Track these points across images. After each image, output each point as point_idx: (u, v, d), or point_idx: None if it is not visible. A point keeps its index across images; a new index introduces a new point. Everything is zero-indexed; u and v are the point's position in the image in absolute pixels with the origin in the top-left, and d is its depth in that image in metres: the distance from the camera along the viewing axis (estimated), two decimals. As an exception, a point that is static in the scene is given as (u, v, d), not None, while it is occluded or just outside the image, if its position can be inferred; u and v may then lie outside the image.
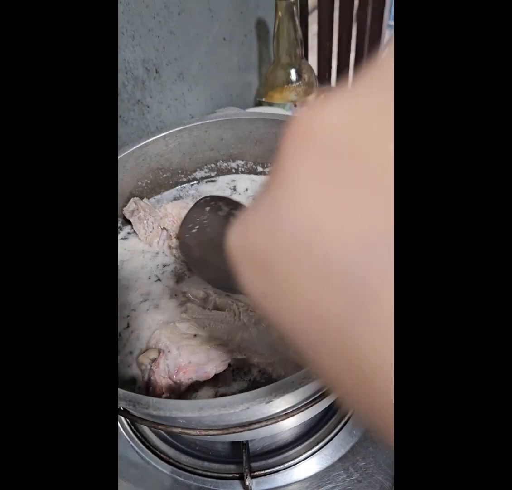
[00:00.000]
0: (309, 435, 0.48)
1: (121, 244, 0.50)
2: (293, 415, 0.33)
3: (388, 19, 1.72)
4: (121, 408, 0.35)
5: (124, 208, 0.51)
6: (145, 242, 0.49)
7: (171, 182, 0.55)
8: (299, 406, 0.33)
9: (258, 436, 0.46)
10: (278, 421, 0.33)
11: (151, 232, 0.49)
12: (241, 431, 0.32)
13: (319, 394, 0.33)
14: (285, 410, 0.33)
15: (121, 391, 0.30)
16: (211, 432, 0.33)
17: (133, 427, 0.50)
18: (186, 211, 0.49)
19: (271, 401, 0.28)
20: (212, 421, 0.31)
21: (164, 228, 0.50)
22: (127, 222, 0.51)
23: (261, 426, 0.32)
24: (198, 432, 0.33)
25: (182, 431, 0.33)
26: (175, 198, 0.55)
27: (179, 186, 0.56)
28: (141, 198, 0.52)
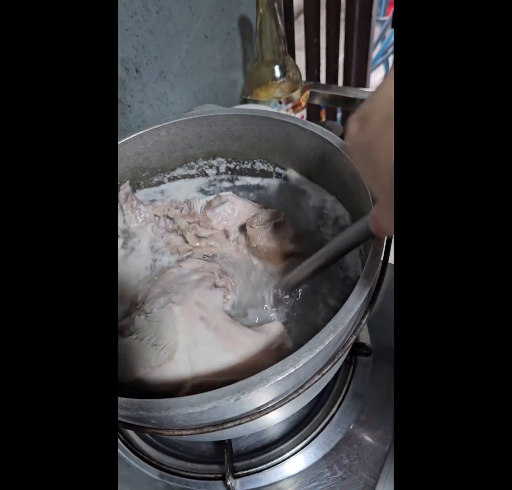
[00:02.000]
0: (293, 433, 0.48)
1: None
2: (267, 413, 0.32)
3: (377, 14, 1.72)
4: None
5: (120, 188, 0.50)
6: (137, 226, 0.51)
7: (150, 181, 0.54)
8: (272, 403, 0.32)
9: (235, 435, 0.45)
10: (252, 419, 0.32)
11: (143, 221, 0.51)
12: (214, 430, 0.32)
13: (292, 391, 0.33)
14: (258, 408, 0.32)
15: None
16: (184, 432, 0.32)
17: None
18: (176, 203, 0.52)
19: (239, 398, 0.28)
20: (184, 420, 0.31)
21: (156, 216, 0.51)
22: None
23: (235, 425, 0.32)
24: (171, 432, 0.32)
25: (155, 431, 0.33)
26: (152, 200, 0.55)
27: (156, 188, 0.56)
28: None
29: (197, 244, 0.50)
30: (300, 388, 0.33)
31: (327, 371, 0.33)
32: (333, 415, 0.48)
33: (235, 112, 0.49)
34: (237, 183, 0.56)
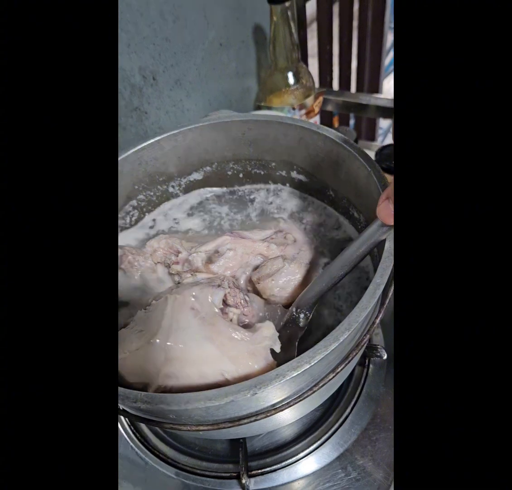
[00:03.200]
0: (307, 434, 0.48)
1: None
2: (282, 410, 0.33)
3: (390, 21, 1.73)
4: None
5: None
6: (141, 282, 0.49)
7: (165, 186, 0.56)
8: (287, 401, 0.33)
9: (251, 433, 0.46)
10: (267, 416, 0.33)
11: (145, 272, 0.49)
12: (230, 426, 0.33)
13: (306, 389, 0.33)
14: (273, 405, 0.33)
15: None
16: (201, 428, 0.33)
17: (132, 428, 0.51)
18: (173, 240, 0.49)
19: (255, 393, 0.28)
20: (201, 415, 0.32)
21: (157, 262, 0.49)
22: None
23: (251, 421, 0.33)
24: (188, 428, 0.33)
25: (173, 426, 0.34)
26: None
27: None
28: (134, 198, 0.53)
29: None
30: (315, 386, 0.33)
31: (341, 370, 0.34)
32: (347, 416, 0.48)
33: (250, 118, 0.50)
34: (250, 188, 0.58)
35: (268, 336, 0.36)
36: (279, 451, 0.48)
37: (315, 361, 0.29)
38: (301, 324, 0.40)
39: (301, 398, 0.33)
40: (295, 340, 0.39)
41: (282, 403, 0.33)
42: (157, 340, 0.36)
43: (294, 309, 0.40)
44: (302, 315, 0.40)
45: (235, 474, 0.45)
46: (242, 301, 0.42)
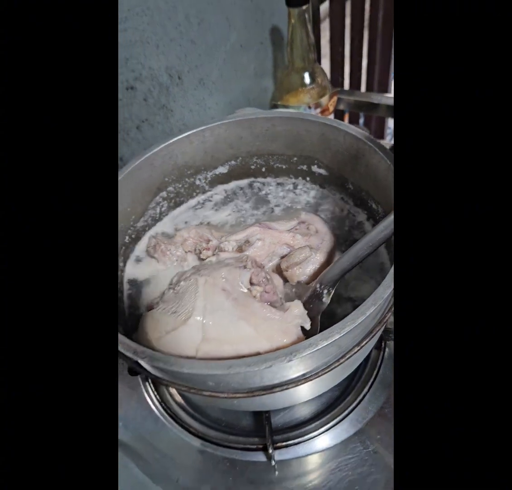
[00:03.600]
0: (327, 411, 0.52)
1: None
2: (311, 380, 0.36)
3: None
4: (155, 375, 0.39)
5: (146, 247, 0.54)
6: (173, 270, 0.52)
7: (192, 179, 0.59)
8: (316, 371, 0.36)
9: (280, 404, 0.48)
10: (297, 385, 0.36)
11: (176, 260, 0.53)
12: (264, 394, 0.36)
13: (333, 361, 0.36)
14: (303, 375, 0.36)
15: (156, 354, 0.33)
16: (238, 395, 0.36)
17: (164, 405, 0.54)
18: (203, 230, 0.53)
19: (291, 360, 0.31)
20: (238, 382, 0.35)
21: (188, 251, 0.53)
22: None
23: (282, 389, 0.36)
24: (226, 395, 0.36)
25: (212, 394, 0.37)
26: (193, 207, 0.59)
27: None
28: (164, 190, 0.56)
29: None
30: (341, 358, 0.37)
31: (365, 343, 0.37)
32: (364, 396, 0.52)
33: (275, 115, 0.53)
34: (272, 181, 0.61)
35: (298, 314, 0.39)
36: (300, 427, 0.51)
37: (345, 332, 0.32)
38: (323, 299, 0.42)
39: (328, 369, 0.36)
40: (318, 314, 0.42)
41: (311, 373, 0.36)
42: (194, 320, 0.38)
43: (317, 285, 0.42)
44: (325, 291, 0.42)
45: (261, 446, 0.49)
46: (263, 279, 0.45)
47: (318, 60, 1.09)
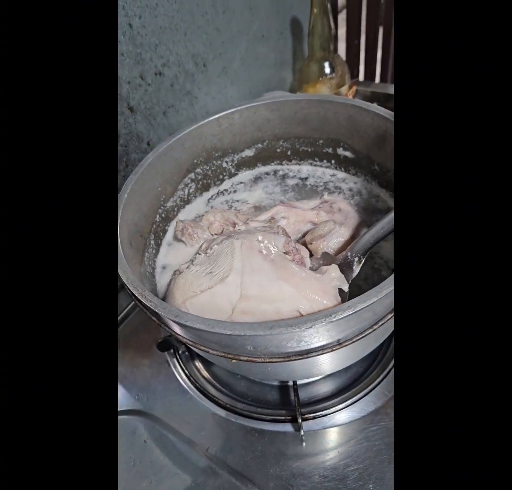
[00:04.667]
0: (353, 386, 0.53)
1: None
2: (345, 345, 0.37)
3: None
4: (192, 340, 0.40)
5: (175, 230, 0.55)
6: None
7: (219, 162, 0.61)
8: (351, 336, 0.37)
9: (311, 373, 0.49)
10: (333, 350, 0.37)
11: (204, 243, 0.53)
12: (299, 359, 0.37)
13: (367, 327, 0.38)
14: (339, 340, 0.37)
15: (198, 317, 0.35)
16: (274, 359, 0.38)
17: (192, 378, 0.56)
18: (228, 213, 0.54)
19: (331, 321, 0.33)
20: (276, 346, 0.36)
21: (214, 234, 0.54)
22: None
23: (317, 354, 0.37)
24: (262, 359, 0.38)
25: (249, 358, 0.38)
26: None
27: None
28: (193, 172, 0.58)
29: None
30: (375, 324, 0.38)
31: (397, 311, 0.38)
32: (390, 370, 0.53)
33: (303, 97, 0.54)
34: (297, 163, 0.62)
35: (336, 277, 0.41)
36: (326, 401, 0.52)
37: (381, 296, 0.33)
38: (354, 267, 0.43)
39: (362, 335, 0.38)
40: (348, 282, 0.43)
41: (346, 338, 0.38)
42: (232, 279, 0.39)
43: (349, 253, 0.43)
44: (356, 259, 0.43)
45: (289, 418, 0.50)
46: (293, 249, 0.46)
47: (334, 51, 1.10)
